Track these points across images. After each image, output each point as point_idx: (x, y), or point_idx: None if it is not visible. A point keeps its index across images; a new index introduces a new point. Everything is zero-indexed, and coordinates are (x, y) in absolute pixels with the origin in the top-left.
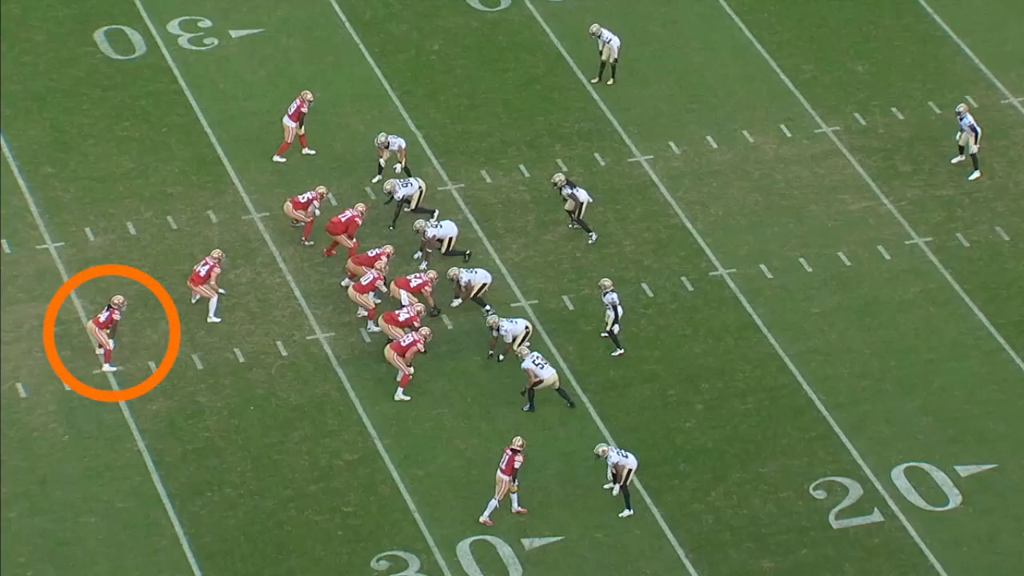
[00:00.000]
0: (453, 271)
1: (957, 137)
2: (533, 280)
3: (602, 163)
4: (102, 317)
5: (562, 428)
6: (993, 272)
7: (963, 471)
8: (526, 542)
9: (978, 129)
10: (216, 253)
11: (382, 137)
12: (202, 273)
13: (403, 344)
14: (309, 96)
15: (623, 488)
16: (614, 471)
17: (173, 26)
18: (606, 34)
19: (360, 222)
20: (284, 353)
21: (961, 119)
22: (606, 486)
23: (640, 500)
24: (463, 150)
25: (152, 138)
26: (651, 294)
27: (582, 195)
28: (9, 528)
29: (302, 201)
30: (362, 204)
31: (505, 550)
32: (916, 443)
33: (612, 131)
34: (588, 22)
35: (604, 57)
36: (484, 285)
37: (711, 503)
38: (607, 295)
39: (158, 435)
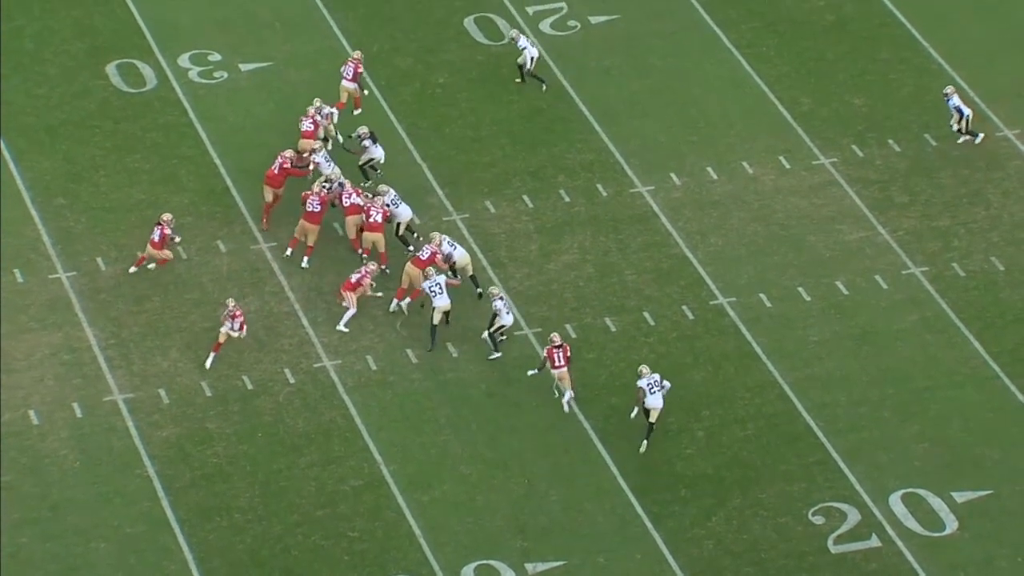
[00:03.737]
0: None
1: (952, 123)
2: (536, 309)
3: (604, 194)
4: (156, 237)
5: (565, 455)
6: (988, 301)
7: (959, 497)
8: (529, 567)
9: (964, 111)
10: (371, 266)
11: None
12: (353, 280)
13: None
14: (358, 54)
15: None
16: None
17: (183, 60)
18: (523, 41)
19: (289, 167)
20: (292, 380)
21: (948, 99)
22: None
23: (641, 525)
24: (468, 181)
25: (162, 169)
26: (652, 323)
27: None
28: (20, 554)
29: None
30: (290, 150)
31: (509, 575)
32: (913, 469)
33: (614, 162)
34: (590, 56)
35: (520, 61)
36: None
37: (711, 528)
38: (495, 301)
39: (167, 461)
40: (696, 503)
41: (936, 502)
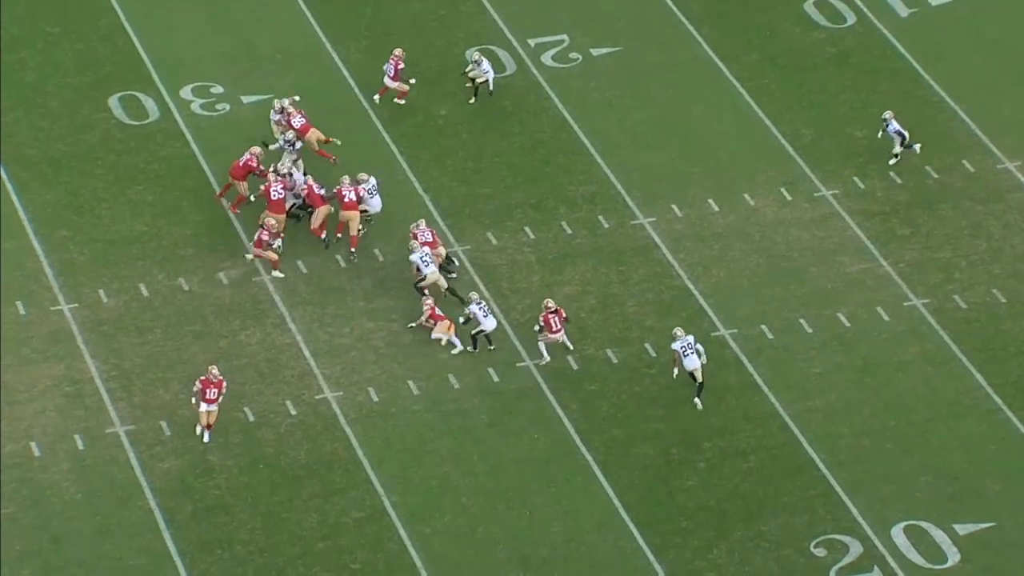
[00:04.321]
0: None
1: (894, 150)
2: (537, 340)
3: (606, 225)
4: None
5: (566, 485)
6: (990, 333)
7: (961, 529)
8: None
9: (904, 133)
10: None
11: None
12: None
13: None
14: (399, 52)
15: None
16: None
17: (186, 92)
18: (485, 65)
19: (255, 165)
20: (293, 412)
21: (887, 125)
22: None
23: (643, 557)
24: (469, 212)
25: (165, 201)
26: (654, 354)
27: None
28: None
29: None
30: (257, 147)
31: None
32: (915, 501)
33: (615, 194)
34: (591, 87)
35: (479, 81)
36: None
37: (713, 560)
38: (470, 306)
39: (169, 493)
40: (698, 535)
41: (938, 534)
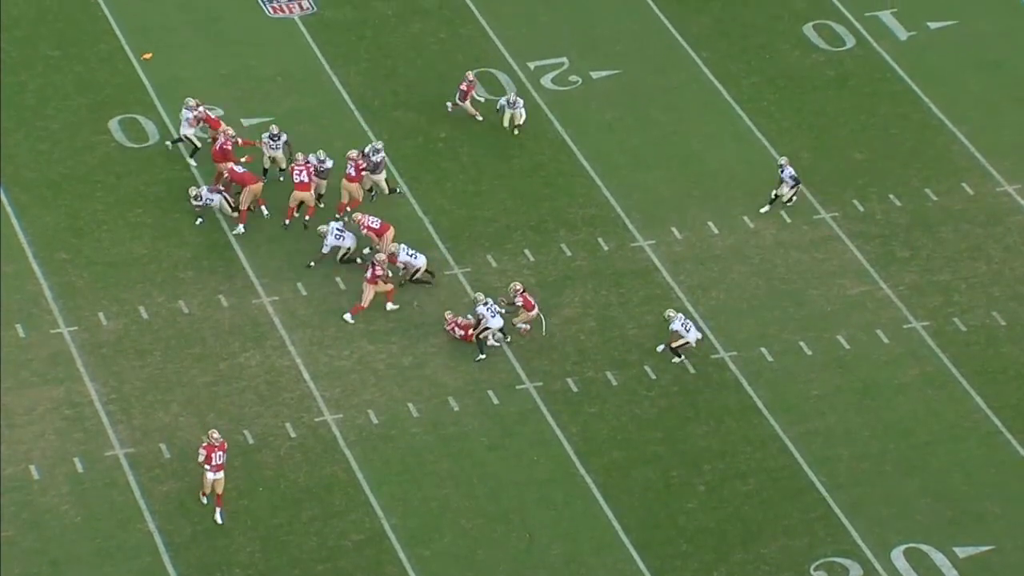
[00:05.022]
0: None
1: (789, 193)
2: (538, 362)
3: (605, 248)
4: (368, 274)
5: (566, 507)
6: (990, 356)
7: (961, 552)
8: None
9: (798, 179)
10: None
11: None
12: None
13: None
14: (471, 75)
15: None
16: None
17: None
18: (519, 103)
19: (230, 147)
20: (293, 435)
21: (783, 171)
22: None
23: None
24: (469, 235)
25: (164, 224)
26: (654, 376)
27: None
28: None
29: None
30: (231, 129)
31: None
32: (915, 524)
33: (615, 216)
34: (591, 110)
35: (516, 122)
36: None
37: None
38: (477, 307)
39: (168, 516)
40: (698, 557)
41: (938, 557)
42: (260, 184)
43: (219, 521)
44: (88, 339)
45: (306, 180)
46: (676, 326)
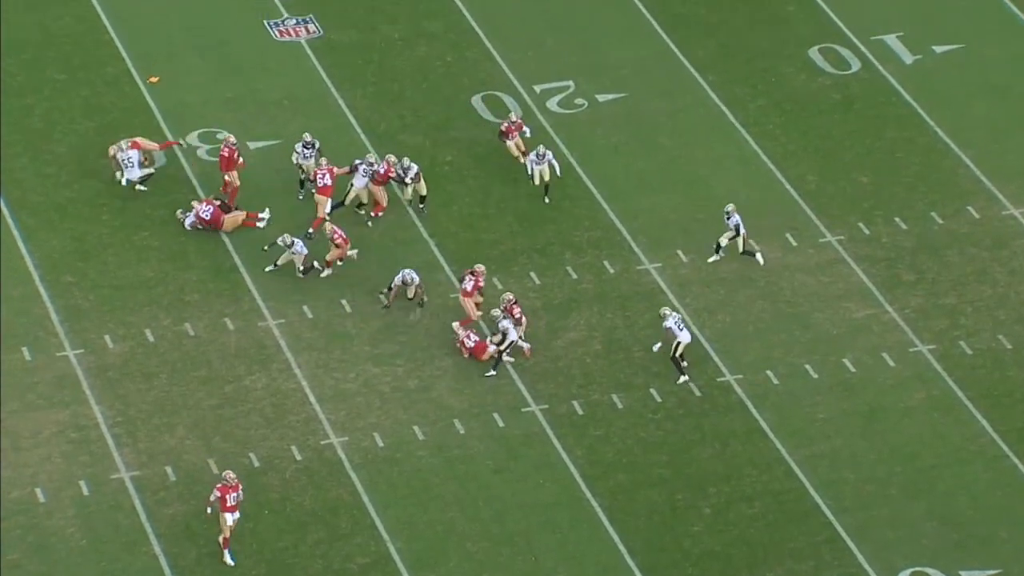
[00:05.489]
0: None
1: (724, 236)
2: (544, 385)
3: (611, 271)
4: (468, 286)
5: (572, 530)
6: (996, 380)
7: None
8: None
9: (743, 229)
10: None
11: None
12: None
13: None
14: (515, 116)
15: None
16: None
17: (192, 138)
18: (549, 155)
19: (231, 156)
20: (298, 457)
21: (729, 218)
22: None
23: None
24: (475, 258)
25: (171, 247)
26: (659, 399)
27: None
28: None
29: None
30: (232, 136)
31: None
32: (921, 547)
33: (621, 239)
34: (597, 133)
35: (546, 179)
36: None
37: None
38: (501, 322)
39: (174, 539)
40: None
41: None
42: (238, 216)
43: (230, 562)
44: (94, 362)
45: (329, 184)
46: (669, 323)
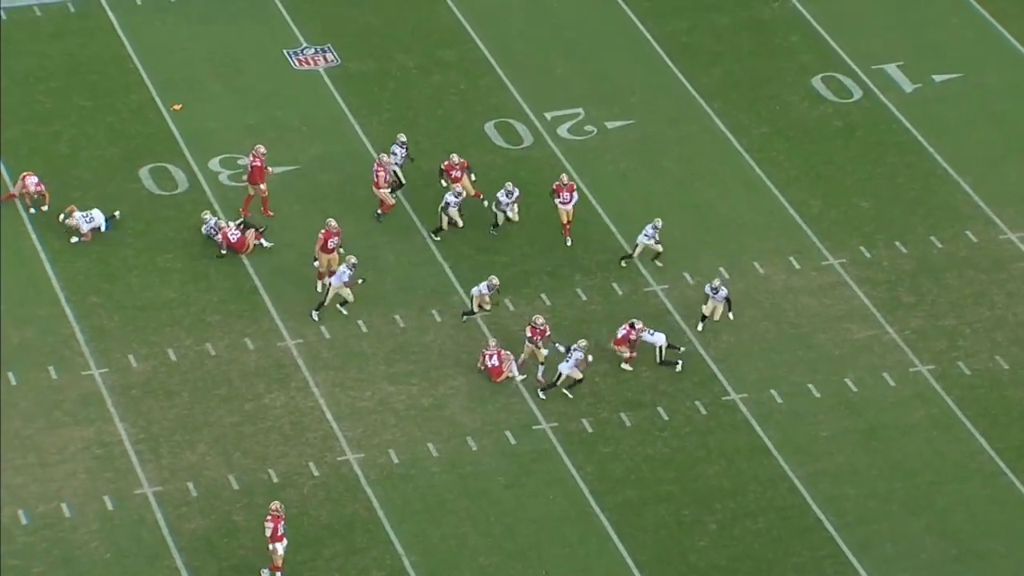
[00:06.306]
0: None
1: (706, 305)
2: (553, 404)
3: (620, 292)
4: (619, 334)
5: (581, 545)
6: (993, 399)
7: None
8: None
9: (730, 300)
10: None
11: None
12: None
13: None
14: (565, 178)
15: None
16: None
17: (214, 163)
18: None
19: (260, 164)
20: (316, 473)
21: (716, 293)
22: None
23: None
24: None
25: (193, 269)
26: (666, 417)
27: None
28: None
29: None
30: (261, 146)
31: None
32: (920, 562)
33: (630, 262)
34: (606, 159)
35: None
36: None
37: None
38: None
39: (195, 553)
40: None
41: None
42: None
43: None
44: (118, 380)
45: (376, 180)
46: (645, 336)
